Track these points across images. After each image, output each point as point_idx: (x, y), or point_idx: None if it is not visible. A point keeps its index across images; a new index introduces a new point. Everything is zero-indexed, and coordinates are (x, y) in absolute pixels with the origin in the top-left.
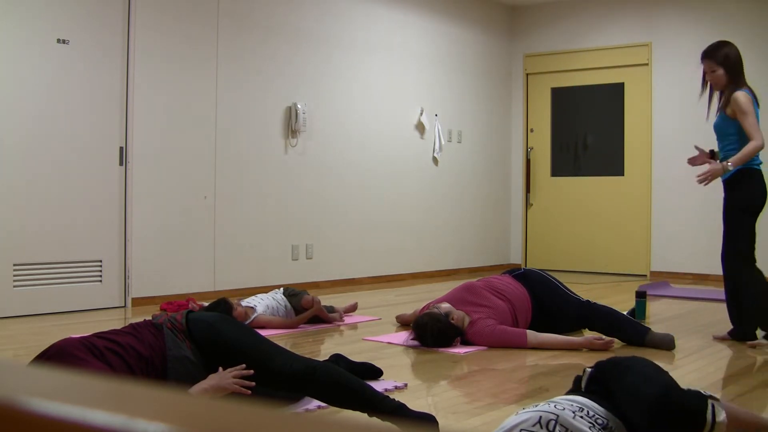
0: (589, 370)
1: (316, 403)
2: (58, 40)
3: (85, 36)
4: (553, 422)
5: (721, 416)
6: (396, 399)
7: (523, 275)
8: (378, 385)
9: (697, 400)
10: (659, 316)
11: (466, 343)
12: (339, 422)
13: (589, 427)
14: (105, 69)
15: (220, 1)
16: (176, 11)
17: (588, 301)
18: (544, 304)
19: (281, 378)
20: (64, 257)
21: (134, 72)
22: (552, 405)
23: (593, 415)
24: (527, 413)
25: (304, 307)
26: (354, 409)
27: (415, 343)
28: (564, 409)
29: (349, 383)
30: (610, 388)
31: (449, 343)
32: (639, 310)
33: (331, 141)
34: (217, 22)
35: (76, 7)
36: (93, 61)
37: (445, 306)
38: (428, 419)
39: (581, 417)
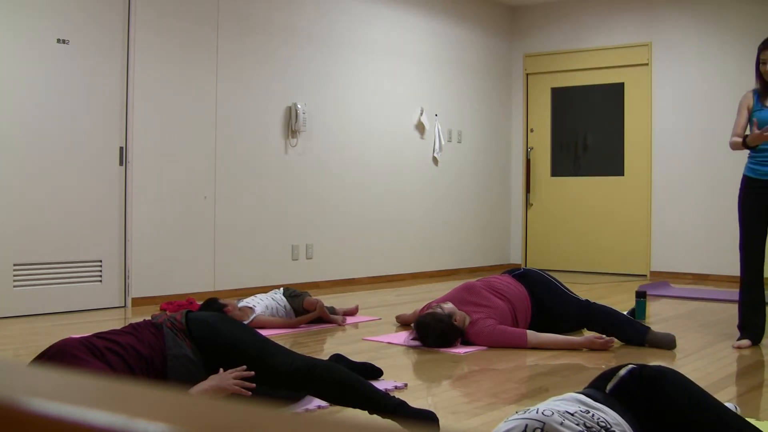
0: (622, 373)
1: (316, 403)
2: (58, 40)
3: (85, 36)
4: (539, 430)
5: None
6: (396, 397)
7: (522, 275)
8: (378, 386)
9: None
10: (659, 316)
11: (466, 343)
12: (339, 422)
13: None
14: (105, 69)
15: (220, 1)
16: (176, 11)
17: (587, 301)
18: (544, 304)
19: (282, 377)
20: (64, 257)
21: (134, 72)
22: (540, 411)
23: (598, 418)
24: (514, 421)
25: (306, 309)
26: (354, 407)
27: (416, 343)
28: (552, 414)
29: (349, 381)
30: (656, 402)
31: (451, 344)
32: (639, 310)
33: (331, 141)
34: (217, 22)
35: (76, 7)
36: (93, 61)
37: (449, 306)
38: (429, 416)
39: (574, 421)
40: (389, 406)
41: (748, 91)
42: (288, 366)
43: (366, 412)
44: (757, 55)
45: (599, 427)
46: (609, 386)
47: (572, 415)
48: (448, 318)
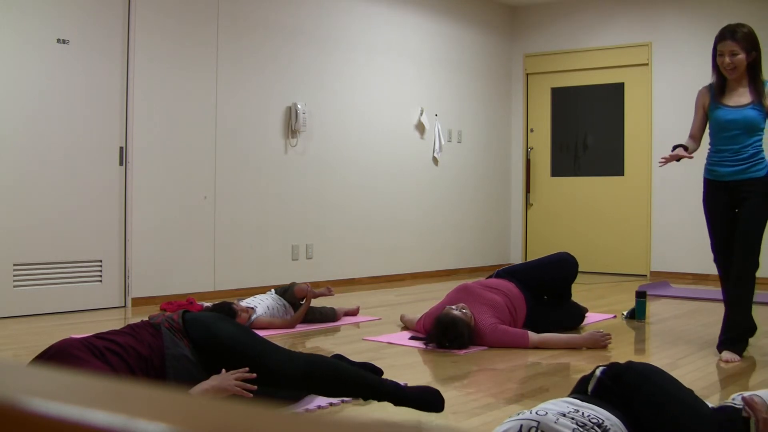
0: (598, 374)
1: (316, 403)
2: (58, 40)
3: (85, 36)
4: (534, 429)
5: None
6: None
7: (500, 274)
8: None
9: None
10: (659, 316)
11: None
12: (339, 422)
13: (573, 430)
14: (105, 69)
15: (220, 1)
16: (176, 11)
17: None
18: (536, 282)
19: (281, 376)
20: (64, 257)
21: (134, 72)
22: (534, 412)
23: (588, 415)
24: (509, 423)
25: (298, 297)
26: (355, 396)
27: (416, 342)
28: (546, 413)
29: (346, 372)
30: (626, 396)
31: (466, 346)
32: (639, 310)
33: (331, 141)
34: (217, 22)
35: (76, 8)
36: (93, 61)
37: (469, 313)
38: (430, 391)
39: (568, 419)
40: (388, 388)
41: (703, 87)
42: (286, 365)
43: (369, 402)
44: (713, 46)
45: (592, 424)
46: (590, 388)
47: (564, 415)
48: (470, 320)
